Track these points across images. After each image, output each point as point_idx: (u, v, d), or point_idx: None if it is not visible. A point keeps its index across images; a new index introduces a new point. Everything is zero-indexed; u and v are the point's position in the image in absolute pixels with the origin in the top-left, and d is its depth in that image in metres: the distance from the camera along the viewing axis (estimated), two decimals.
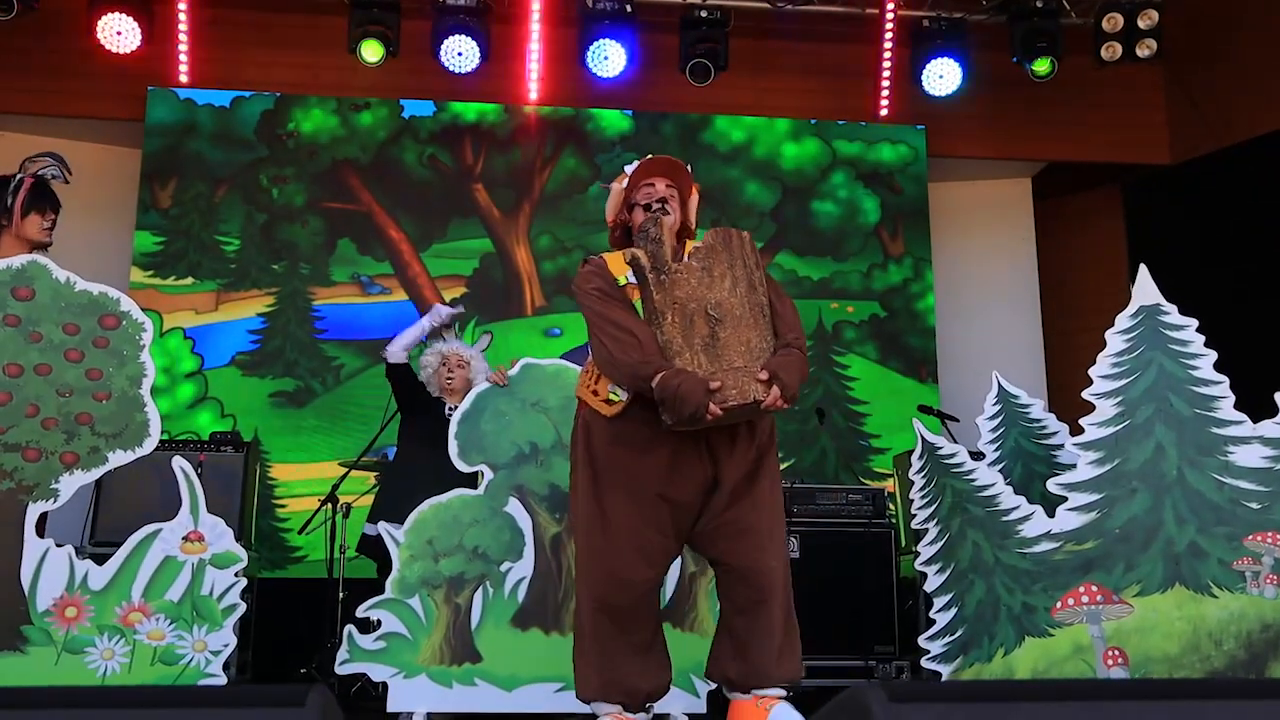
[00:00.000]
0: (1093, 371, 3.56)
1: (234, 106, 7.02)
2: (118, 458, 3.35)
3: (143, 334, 3.38)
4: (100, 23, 6.21)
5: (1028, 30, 6.67)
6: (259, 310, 6.79)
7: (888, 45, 6.96)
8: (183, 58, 6.54)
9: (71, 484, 3.29)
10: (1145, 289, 3.56)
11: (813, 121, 7.50)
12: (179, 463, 3.40)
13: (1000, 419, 4.12)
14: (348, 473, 5.48)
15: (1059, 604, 3.44)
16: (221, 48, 6.80)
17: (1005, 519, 3.56)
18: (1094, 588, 3.40)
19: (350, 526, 5.21)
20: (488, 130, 7.22)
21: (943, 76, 6.89)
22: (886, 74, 7.07)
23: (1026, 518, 3.54)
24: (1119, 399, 3.51)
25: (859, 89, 7.24)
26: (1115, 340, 3.55)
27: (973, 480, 3.63)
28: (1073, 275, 7.83)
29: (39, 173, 3.84)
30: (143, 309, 3.48)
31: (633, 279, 2.97)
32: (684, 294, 2.87)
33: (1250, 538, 3.33)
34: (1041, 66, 6.72)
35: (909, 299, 7.36)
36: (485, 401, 3.83)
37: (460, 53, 6.49)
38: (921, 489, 3.73)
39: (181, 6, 6.38)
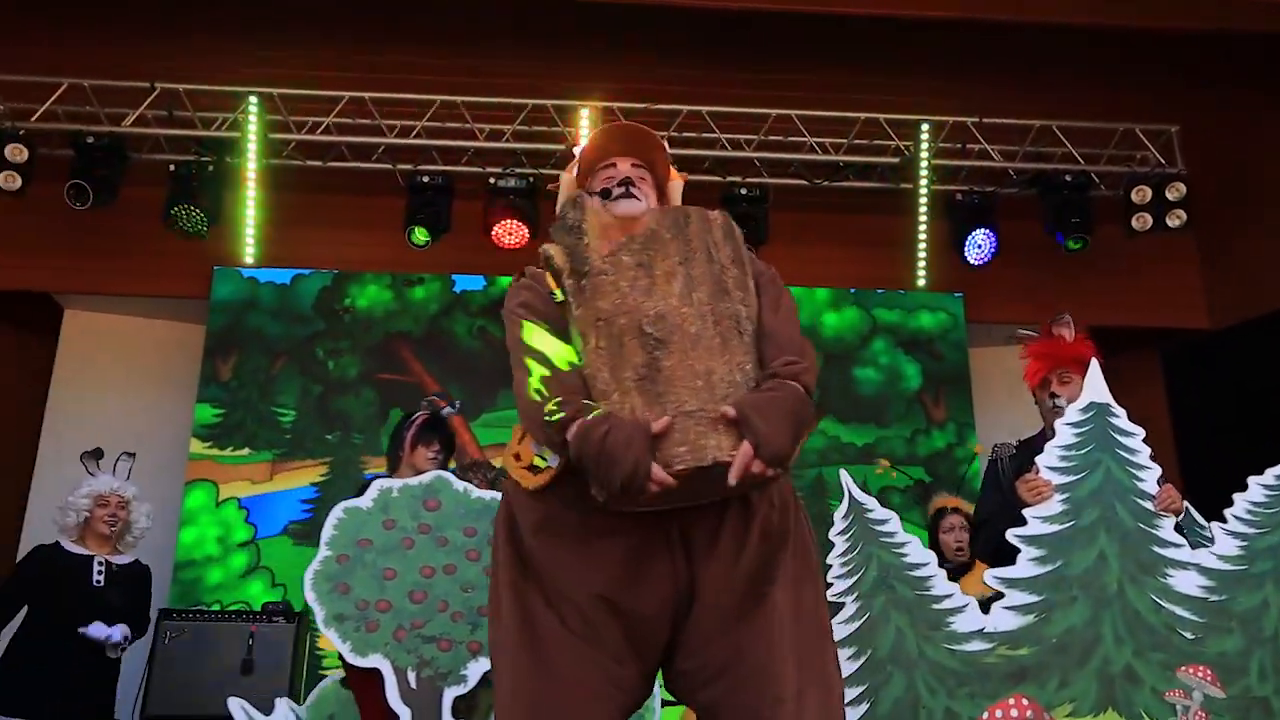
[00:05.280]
0: (1040, 460, 3.31)
1: (294, 283, 7.33)
2: None
3: None
4: (173, 211, 6.49)
5: (1059, 204, 6.83)
6: (312, 480, 6.92)
7: (923, 217, 7.15)
8: (249, 238, 6.87)
9: (478, 669, 3.54)
10: (1096, 386, 3.37)
11: (852, 290, 7.67)
12: (237, 703, 3.77)
13: None
14: None
15: (985, 714, 3.05)
16: (283, 228, 7.10)
17: (936, 606, 3.16)
18: (1025, 701, 3.07)
19: None
20: None
21: (979, 246, 7.04)
22: (923, 244, 7.23)
23: (959, 610, 3.17)
24: (1065, 495, 3.25)
25: (896, 258, 7.39)
26: (1065, 432, 3.33)
27: (904, 555, 3.21)
28: None
29: (435, 410, 4.36)
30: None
31: None
32: (610, 305, 1.97)
33: (1183, 669, 3.12)
34: (1075, 245, 6.86)
35: (953, 464, 7.37)
36: None
37: (511, 231, 6.79)
38: (843, 554, 3.22)
39: (250, 192, 6.73)
